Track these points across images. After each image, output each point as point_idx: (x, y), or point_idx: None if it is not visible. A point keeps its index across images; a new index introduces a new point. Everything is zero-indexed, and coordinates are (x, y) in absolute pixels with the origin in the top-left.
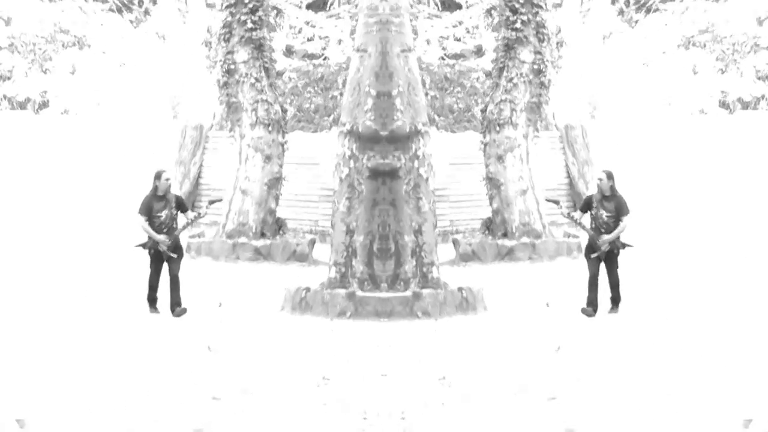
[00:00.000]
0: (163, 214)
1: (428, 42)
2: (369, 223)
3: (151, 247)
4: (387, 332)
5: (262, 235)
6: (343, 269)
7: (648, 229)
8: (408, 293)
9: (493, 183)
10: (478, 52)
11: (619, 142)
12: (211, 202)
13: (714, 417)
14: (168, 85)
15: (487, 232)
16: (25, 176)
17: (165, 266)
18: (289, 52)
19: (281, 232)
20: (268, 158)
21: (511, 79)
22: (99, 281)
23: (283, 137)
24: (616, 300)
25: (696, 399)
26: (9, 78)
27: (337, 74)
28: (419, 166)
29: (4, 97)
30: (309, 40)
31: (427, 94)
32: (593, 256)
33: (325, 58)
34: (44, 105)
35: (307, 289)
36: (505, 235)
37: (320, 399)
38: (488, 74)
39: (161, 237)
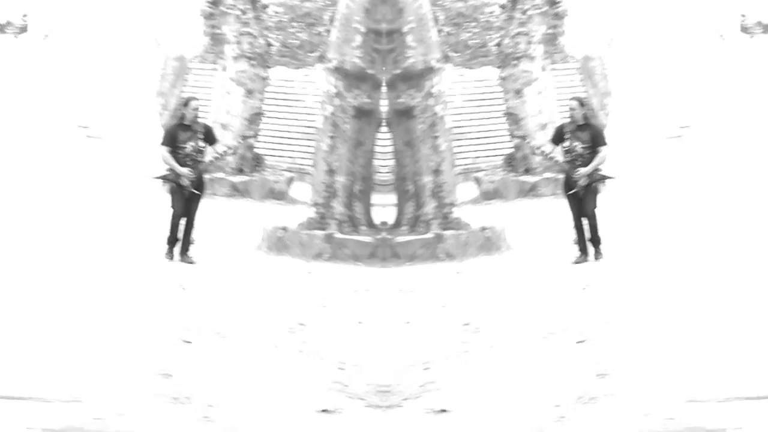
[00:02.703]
0: (189, 145)
1: None
2: (351, 163)
3: (173, 180)
4: (365, 276)
5: (240, 171)
6: (322, 210)
7: (662, 162)
8: (430, 235)
9: (512, 118)
10: None
11: (639, 72)
12: (245, 137)
13: (748, 356)
14: (151, 14)
15: (509, 168)
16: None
17: None
18: None
19: (259, 168)
20: (249, 92)
21: (525, 11)
22: (77, 216)
23: (266, 72)
24: (595, 242)
25: (729, 337)
26: None
27: (323, 10)
28: (435, 104)
29: None
30: None
31: (441, 31)
32: (570, 192)
33: None
34: (23, 29)
35: (285, 229)
36: (527, 171)
37: (295, 345)
38: (503, 7)
39: (185, 170)
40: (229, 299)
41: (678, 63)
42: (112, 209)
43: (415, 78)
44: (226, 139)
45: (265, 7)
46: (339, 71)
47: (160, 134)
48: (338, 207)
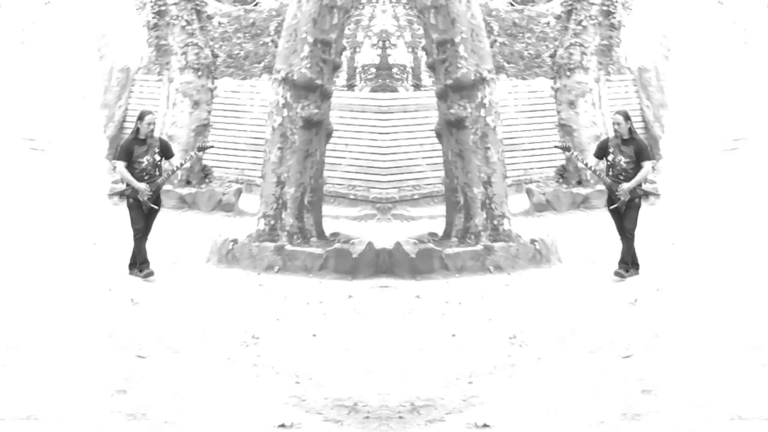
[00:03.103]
0: (145, 160)
1: None
2: (301, 174)
3: (130, 195)
4: (316, 288)
5: (188, 182)
6: (272, 221)
7: (717, 174)
8: (479, 247)
9: (565, 129)
10: None
11: (695, 84)
12: (201, 149)
13: None
14: (95, 25)
15: (561, 180)
16: None
17: None
18: None
19: (207, 180)
20: (196, 104)
21: (580, 22)
22: (22, 229)
23: (213, 83)
24: (631, 261)
25: None
26: None
27: (268, 20)
28: (486, 115)
29: None
30: None
31: (495, 41)
32: (612, 207)
33: (256, 4)
34: None
35: (235, 241)
36: (579, 182)
37: (249, 359)
38: (558, 18)
39: (142, 185)
40: (181, 313)
41: (733, 75)
42: (58, 221)
43: (466, 89)
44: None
45: (210, 17)
46: (287, 82)
47: (105, 146)
48: (288, 219)
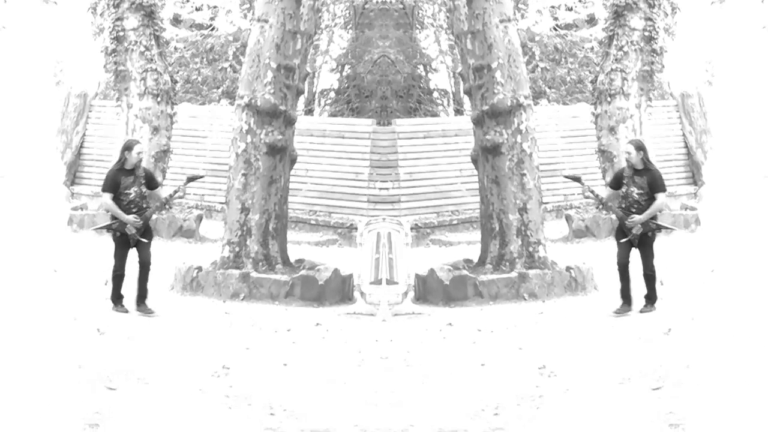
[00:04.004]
0: (133, 191)
1: (540, 12)
2: (265, 201)
3: (117, 229)
4: (283, 316)
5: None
6: (236, 249)
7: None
8: (513, 274)
9: (605, 155)
10: (591, 21)
11: (738, 110)
12: (190, 179)
13: None
14: (51, 50)
15: (600, 206)
16: None
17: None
18: (176, 21)
19: (167, 206)
20: (155, 130)
21: (621, 48)
22: None
23: (172, 109)
24: (650, 297)
25: None
26: None
27: (227, 45)
28: (522, 141)
29: None
30: (197, 9)
31: (537, 66)
32: (623, 240)
33: (213, 29)
34: None
35: (199, 269)
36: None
37: (221, 390)
38: (601, 43)
39: (130, 218)
40: (148, 342)
41: None
42: (16, 248)
43: (503, 114)
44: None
45: (167, 42)
46: (250, 108)
47: (62, 172)
48: (253, 245)
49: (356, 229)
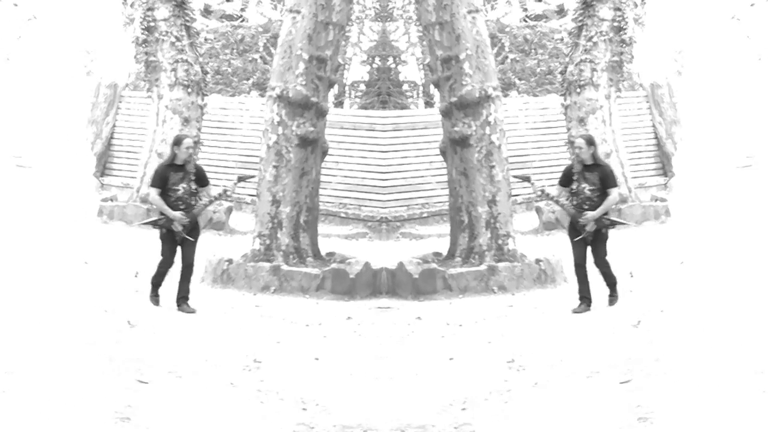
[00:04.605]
0: (181, 187)
1: (509, 3)
2: (297, 193)
3: (164, 225)
4: (314, 310)
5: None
6: (267, 241)
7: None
8: (483, 267)
9: (575, 147)
10: (561, 12)
11: (708, 101)
12: (241, 179)
13: None
14: (81, 41)
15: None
16: None
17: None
18: (207, 12)
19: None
20: (186, 121)
21: (590, 38)
22: (9, 246)
23: (203, 100)
24: (613, 294)
25: None
26: None
27: (257, 36)
28: (491, 133)
29: None
30: (227, 0)
31: (506, 58)
32: (577, 239)
33: (243, 20)
34: None
35: (230, 261)
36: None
37: (253, 384)
38: (570, 34)
39: (177, 214)
40: (179, 335)
41: (748, 91)
42: (47, 240)
43: (471, 106)
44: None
45: (198, 33)
46: (282, 99)
47: (92, 162)
48: (284, 238)
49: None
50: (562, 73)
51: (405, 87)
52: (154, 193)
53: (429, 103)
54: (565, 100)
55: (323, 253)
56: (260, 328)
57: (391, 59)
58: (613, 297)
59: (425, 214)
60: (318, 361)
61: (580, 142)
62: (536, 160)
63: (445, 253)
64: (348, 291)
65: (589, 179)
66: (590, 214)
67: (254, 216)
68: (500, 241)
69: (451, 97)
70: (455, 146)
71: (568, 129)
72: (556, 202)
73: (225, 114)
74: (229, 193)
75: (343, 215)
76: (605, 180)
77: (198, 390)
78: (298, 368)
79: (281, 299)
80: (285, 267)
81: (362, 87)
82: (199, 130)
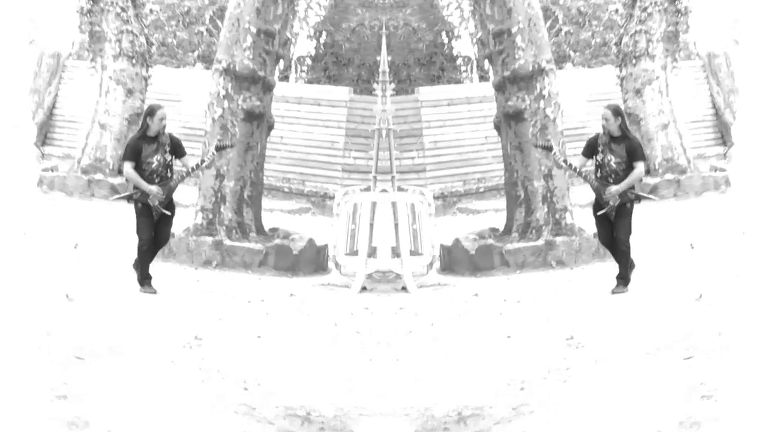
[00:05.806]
0: (155, 160)
1: None
2: (241, 168)
3: (139, 200)
4: (256, 286)
5: (120, 172)
6: (210, 216)
7: None
8: (540, 242)
9: (632, 118)
10: None
11: (767, 68)
12: (219, 149)
13: None
14: (25, 9)
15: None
16: None
17: None
18: None
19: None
20: (130, 92)
21: (645, 9)
22: None
23: (147, 71)
24: (623, 276)
25: None
26: None
27: (204, 9)
28: (545, 107)
29: None
30: None
31: (560, 30)
32: (600, 213)
33: None
34: None
35: (171, 235)
36: (648, 172)
37: (194, 362)
38: (625, 5)
39: (154, 188)
40: (119, 309)
41: None
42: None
43: (524, 80)
44: (104, 140)
45: (144, 4)
46: (228, 73)
47: (33, 132)
48: (227, 213)
49: (330, 198)
50: (617, 44)
51: (459, 61)
52: (128, 167)
53: (483, 78)
54: (620, 71)
55: (266, 228)
56: (202, 303)
57: (443, 34)
58: (620, 282)
59: (481, 189)
60: (260, 339)
61: (606, 113)
62: (592, 133)
63: (501, 228)
64: (291, 267)
65: (616, 151)
66: (614, 188)
67: (197, 189)
68: (557, 216)
69: (504, 72)
70: (509, 120)
71: (625, 101)
72: (579, 174)
73: (169, 86)
74: (207, 163)
75: (286, 190)
76: (632, 153)
77: (137, 367)
78: (240, 346)
79: (223, 274)
80: (228, 242)
81: (308, 62)
82: (142, 101)
